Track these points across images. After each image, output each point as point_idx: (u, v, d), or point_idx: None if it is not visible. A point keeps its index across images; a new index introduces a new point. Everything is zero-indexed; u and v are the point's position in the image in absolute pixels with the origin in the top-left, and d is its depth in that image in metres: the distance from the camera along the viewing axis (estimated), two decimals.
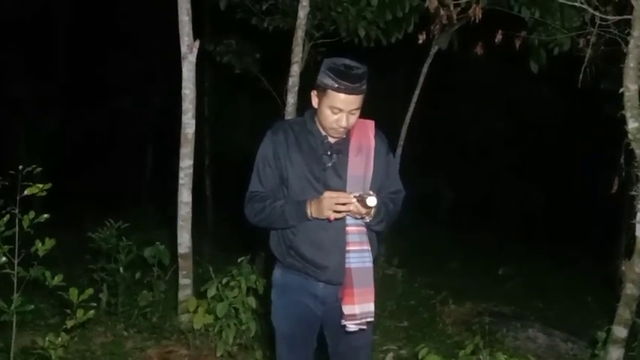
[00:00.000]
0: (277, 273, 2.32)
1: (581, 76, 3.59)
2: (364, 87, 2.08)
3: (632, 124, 3.15)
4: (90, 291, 2.95)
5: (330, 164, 2.18)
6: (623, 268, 3.27)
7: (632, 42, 3.12)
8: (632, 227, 3.23)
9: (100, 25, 11.25)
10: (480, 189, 11.09)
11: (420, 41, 4.14)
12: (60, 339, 2.75)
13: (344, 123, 2.10)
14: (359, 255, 2.16)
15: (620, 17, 3.28)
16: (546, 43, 4.95)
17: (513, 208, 11.50)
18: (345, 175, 2.17)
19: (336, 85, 2.04)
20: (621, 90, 3.16)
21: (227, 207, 9.95)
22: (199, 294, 3.92)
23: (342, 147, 2.20)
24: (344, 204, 2.04)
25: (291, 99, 4.84)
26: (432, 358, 2.95)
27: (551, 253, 8.63)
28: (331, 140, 2.20)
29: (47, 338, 2.73)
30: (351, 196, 2.05)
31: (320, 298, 2.24)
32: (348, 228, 2.16)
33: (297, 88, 4.84)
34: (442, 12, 3.94)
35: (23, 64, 10.73)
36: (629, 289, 3.23)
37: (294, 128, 2.24)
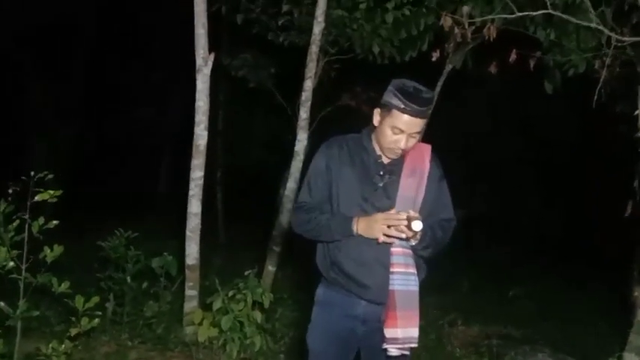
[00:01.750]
0: (320, 290, 2.30)
1: (595, 97, 3.56)
2: (429, 112, 2.09)
3: None
4: (96, 299, 2.96)
5: (381, 184, 2.17)
6: (636, 294, 3.20)
7: None
8: None
9: (121, 36, 11.43)
10: (493, 207, 10.99)
11: (434, 59, 4.15)
12: (63, 346, 2.75)
13: (402, 145, 2.09)
14: (404, 277, 2.12)
15: (636, 39, 3.25)
16: (561, 64, 4.93)
17: (526, 227, 11.37)
18: (395, 196, 2.14)
19: (402, 106, 2.03)
20: (636, 112, 3.13)
21: (239, 220, 10.02)
22: (205, 306, 3.90)
23: (395, 168, 2.18)
24: (395, 226, 2.02)
25: (304, 114, 4.87)
26: None
27: (564, 274, 8.48)
28: (385, 160, 2.19)
29: (50, 345, 2.72)
30: (404, 216, 2.02)
31: (361, 318, 2.21)
32: (392, 249, 2.13)
33: (309, 103, 4.87)
34: (456, 30, 3.95)
35: (44, 72, 10.91)
36: None
37: (349, 144, 2.24)
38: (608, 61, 3.62)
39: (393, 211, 2.04)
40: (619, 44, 3.37)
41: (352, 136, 2.28)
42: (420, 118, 2.06)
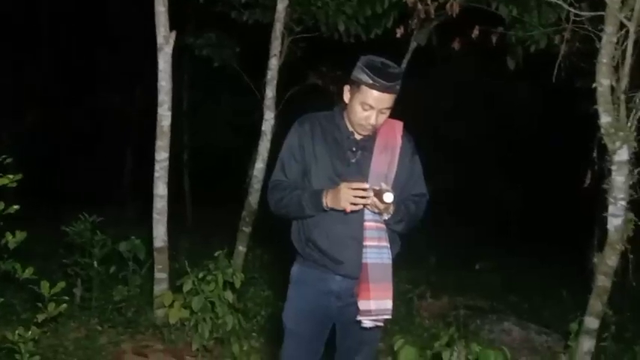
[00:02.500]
0: (295, 268, 2.31)
1: (555, 71, 3.63)
2: (398, 87, 2.08)
3: (604, 119, 3.19)
4: (62, 284, 2.91)
5: (354, 160, 2.18)
6: (595, 260, 3.32)
7: (604, 38, 3.16)
8: (605, 220, 3.29)
9: (84, 21, 11.07)
10: (457, 185, 11.19)
11: (399, 35, 4.17)
12: (30, 332, 2.70)
13: (373, 121, 2.10)
14: (377, 251, 2.15)
15: (593, 13, 3.32)
16: (523, 40, 5.01)
17: (490, 204, 11.63)
18: (368, 172, 2.16)
19: (371, 82, 2.03)
20: (594, 85, 3.21)
21: (207, 203, 9.94)
22: (175, 288, 3.88)
23: (367, 144, 2.19)
24: (361, 196, 2.02)
25: (270, 92, 4.83)
26: (407, 350, 2.95)
27: (528, 248, 8.75)
28: (357, 137, 2.20)
29: (17, 332, 2.67)
30: (368, 186, 2.03)
31: (336, 293, 2.23)
32: (366, 223, 2.15)
33: (275, 82, 4.83)
34: (420, 7, 3.97)
35: (6, 59, 10.52)
36: (601, 280, 3.28)
37: (322, 121, 2.24)
38: (567, 35, 3.69)
39: (357, 183, 2.05)
40: (578, 19, 3.44)
41: (324, 114, 2.29)
42: (389, 93, 2.06)
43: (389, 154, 2.19)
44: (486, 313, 5.08)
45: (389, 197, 1.98)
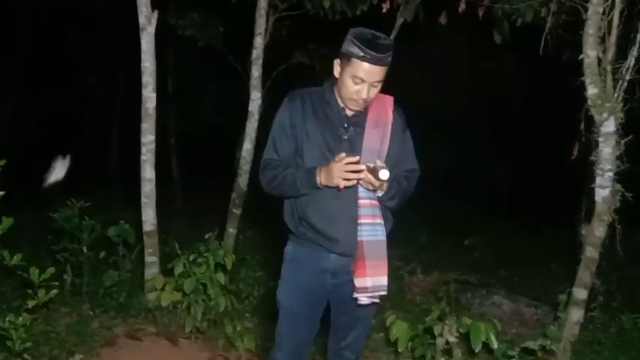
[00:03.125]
0: (289, 247, 2.30)
1: (542, 43, 3.62)
2: (389, 59, 2.04)
3: (591, 91, 3.20)
4: (51, 270, 2.89)
5: (346, 137, 2.15)
6: (583, 232, 3.35)
7: (591, 9, 3.16)
8: (592, 192, 3.31)
9: (62, 3, 10.81)
10: (446, 162, 11.23)
11: (384, 10, 4.13)
12: (21, 319, 2.68)
13: (364, 94, 2.06)
14: (371, 228, 2.15)
15: None
16: (509, 13, 4.98)
17: (479, 180, 11.70)
18: (360, 148, 2.13)
19: (362, 54, 1.99)
20: (581, 57, 3.20)
21: (195, 186, 9.88)
22: (166, 272, 3.87)
23: (359, 120, 2.16)
24: (354, 172, 2.00)
25: (256, 72, 4.78)
26: (398, 324, 3.00)
27: (517, 223, 8.82)
28: (348, 113, 2.17)
29: (7, 318, 2.65)
30: (360, 161, 2.01)
31: (331, 271, 2.22)
32: (360, 201, 2.14)
33: (261, 61, 4.78)
34: None
35: None
36: (589, 252, 3.32)
37: (312, 97, 2.20)
38: (553, 8, 3.68)
39: (349, 158, 2.02)
40: None
41: (314, 90, 2.25)
42: (380, 65, 2.03)
43: (381, 129, 2.17)
44: (476, 287, 5.13)
45: (385, 174, 1.96)
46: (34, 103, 11.46)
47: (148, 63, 3.92)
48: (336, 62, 2.12)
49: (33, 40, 11.30)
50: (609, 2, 3.16)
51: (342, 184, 2.03)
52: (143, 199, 4.07)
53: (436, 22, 4.65)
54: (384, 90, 2.18)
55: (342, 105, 2.17)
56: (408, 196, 2.27)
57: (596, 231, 3.29)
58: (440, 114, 11.07)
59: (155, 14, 3.87)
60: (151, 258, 4.11)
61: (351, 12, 5.56)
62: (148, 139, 4.00)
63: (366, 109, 2.18)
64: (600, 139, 3.22)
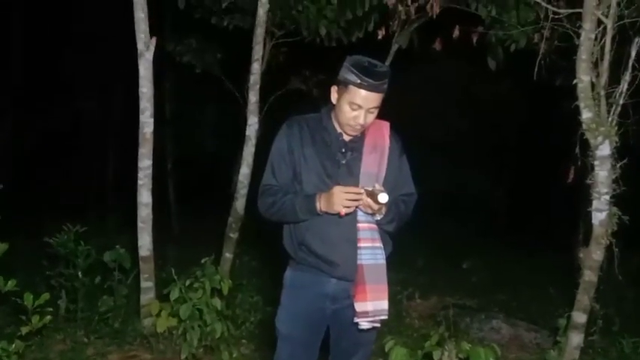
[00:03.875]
0: (289, 273, 2.29)
1: (536, 69, 3.67)
2: (385, 86, 2.08)
3: (585, 115, 3.23)
4: (46, 296, 2.86)
5: (344, 162, 2.17)
6: (581, 255, 3.35)
7: (583, 34, 3.20)
8: (589, 215, 3.32)
9: (58, 24, 10.93)
10: (442, 185, 11.26)
11: (380, 37, 4.18)
12: (14, 346, 2.64)
13: (361, 120, 2.09)
14: (371, 252, 2.15)
15: (572, 10, 3.36)
16: (503, 39, 5.06)
17: (475, 203, 11.71)
18: (358, 173, 2.15)
19: (359, 81, 2.03)
20: (575, 81, 3.24)
21: (192, 211, 9.85)
22: (162, 297, 3.83)
23: (356, 145, 2.19)
24: (354, 199, 2.02)
25: (253, 97, 4.81)
26: (397, 350, 2.95)
27: (514, 246, 8.81)
28: (346, 138, 2.19)
29: (0, 345, 2.61)
30: (362, 190, 2.03)
31: (331, 296, 2.21)
32: (359, 224, 2.14)
33: (258, 86, 4.81)
34: (400, 8, 3.99)
35: None
36: (587, 275, 3.31)
37: (309, 123, 2.22)
38: (546, 34, 3.73)
39: (350, 188, 2.05)
40: (556, 16, 3.48)
41: (312, 116, 2.27)
42: (377, 92, 2.07)
43: (378, 154, 2.19)
44: (475, 312, 5.09)
45: (384, 198, 1.98)
46: (30, 127, 11.47)
47: (145, 89, 3.95)
48: (334, 89, 2.16)
49: (29, 63, 11.38)
50: (601, 28, 3.21)
51: (343, 211, 2.04)
52: (139, 224, 4.05)
53: (431, 48, 4.71)
54: (381, 114, 2.21)
55: (339, 130, 2.20)
56: (405, 220, 2.28)
57: (593, 254, 3.28)
58: (436, 137, 11.14)
59: (153, 40, 3.91)
60: (147, 283, 4.07)
61: (347, 39, 5.65)
62: (145, 163, 4.00)
63: (363, 135, 2.20)
64: (596, 163, 3.23)
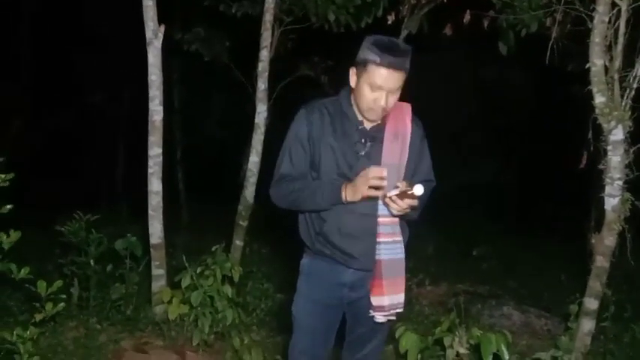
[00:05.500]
0: (306, 261, 2.25)
1: (548, 53, 3.62)
2: (407, 65, 1.98)
3: (598, 99, 3.19)
4: (59, 283, 2.88)
5: (363, 153, 2.09)
6: (593, 241, 3.32)
7: (596, 17, 3.15)
8: (601, 201, 3.29)
9: (66, 19, 10.94)
10: (451, 172, 11.20)
11: (390, 22, 4.15)
12: (28, 332, 2.67)
13: (382, 102, 1.99)
14: (390, 247, 2.11)
15: None
16: (514, 24, 4.99)
17: (485, 190, 11.64)
18: (379, 160, 2.08)
19: (379, 60, 1.93)
20: (587, 65, 3.19)
21: (201, 199, 9.89)
22: (174, 284, 3.86)
23: (377, 134, 2.10)
24: (379, 181, 1.92)
25: (262, 85, 4.79)
26: (408, 336, 2.97)
27: (525, 232, 8.76)
28: (367, 126, 2.10)
29: (15, 332, 2.64)
30: (384, 171, 1.92)
31: (349, 285, 2.18)
32: (380, 219, 2.09)
33: (267, 74, 4.80)
34: None
35: None
36: (599, 261, 3.28)
37: (329, 109, 2.12)
38: (559, 17, 3.68)
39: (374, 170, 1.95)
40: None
41: (330, 101, 2.17)
42: (398, 71, 1.96)
43: (399, 142, 2.10)
44: (486, 299, 5.09)
45: (419, 189, 1.85)
46: (40, 117, 11.53)
47: (154, 76, 3.94)
48: (352, 71, 2.06)
49: (38, 55, 11.42)
50: (615, 11, 3.16)
51: (367, 192, 1.95)
52: (150, 212, 4.07)
53: (441, 33, 4.66)
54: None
55: (360, 118, 2.11)
56: (422, 207, 2.19)
57: (606, 240, 3.25)
58: (445, 124, 11.06)
59: (162, 28, 3.90)
60: (158, 271, 4.10)
61: (356, 25, 5.59)
62: (155, 151, 4.01)
63: (383, 122, 2.11)
64: (609, 148, 3.19)
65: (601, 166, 3.25)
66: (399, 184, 1.96)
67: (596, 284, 3.30)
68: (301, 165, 2.12)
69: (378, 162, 2.07)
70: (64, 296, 2.96)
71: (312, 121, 2.10)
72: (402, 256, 2.14)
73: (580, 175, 4.19)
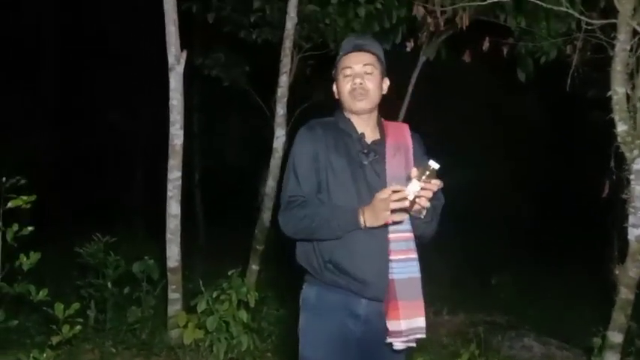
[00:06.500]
0: (311, 293, 2.06)
1: (569, 80, 3.60)
2: (375, 50, 2.06)
3: (621, 127, 3.15)
4: (76, 306, 2.90)
5: (366, 162, 2.03)
6: (617, 272, 3.24)
7: (618, 45, 3.13)
8: (625, 231, 3.22)
9: (88, 40, 11.22)
10: (469, 198, 11.11)
11: (408, 49, 4.16)
12: (44, 355, 2.68)
13: (358, 80, 2.02)
14: (403, 265, 1.97)
15: (605, 21, 3.30)
16: (533, 51, 4.99)
17: (505, 217, 11.51)
18: (384, 174, 2.01)
19: (344, 47, 2.08)
20: (609, 93, 3.17)
21: (218, 223, 9.92)
22: (189, 309, 3.85)
23: (378, 147, 2.06)
24: (399, 199, 1.82)
25: (281, 110, 4.84)
26: None
27: (544, 261, 8.61)
28: (367, 140, 2.07)
29: (31, 355, 2.65)
30: (403, 188, 1.81)
31: (362, 317, 2.01)
32: (390, 235, 1.97)
33: (286, 99, 4.85)
34: (429, 20, 3.97)
35: (10, 80, 10.65)
36: (624, 293, 3.20)
37: (330, 126, 2.09)
38: (579, 45, 3.67)
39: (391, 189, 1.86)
40: (589, 27, 3.41)
41: (328, 120, 2.14)
42: (365, 52, 2.04)
43: (402, 154, 2.05)
44: (505, 329, 4.97)
45: (434, 162, 1.79)
46: (60, 141, 11.74)
47: (175, 101, 4.00)
48: (334, 84, 2.13)
49: (58, 76, 11.67)
50: (636, 39, 3.14)
51: (391, 219, 1.87)
52: (168, 235, 4.09)
53: (459, 60, 4.67)
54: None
55: (360, 131, 2.08)
56: (435, 228, 2.09)
57: (630, 271, 3.18)
58: (462, 150, 11.01)
59: (184, 54, 3.97)
60: (174, 295, 4.10)
61: None
62: (175, 175, 4.05)
63: (383, 136, 2.08)
64: (632, 177, 3.14)
65: (624, 196, 3.19)
66: (410, 174, 1.85)
67: (620, 317, 3.21)
68: (309, 184, 2.02)
69: (382, 173, 2.02)
70: (80, 320, 2.96)
71: (316, 137, 2.05)
72: (418, 275, 1.99)
73: (600, 202, 4.12)
